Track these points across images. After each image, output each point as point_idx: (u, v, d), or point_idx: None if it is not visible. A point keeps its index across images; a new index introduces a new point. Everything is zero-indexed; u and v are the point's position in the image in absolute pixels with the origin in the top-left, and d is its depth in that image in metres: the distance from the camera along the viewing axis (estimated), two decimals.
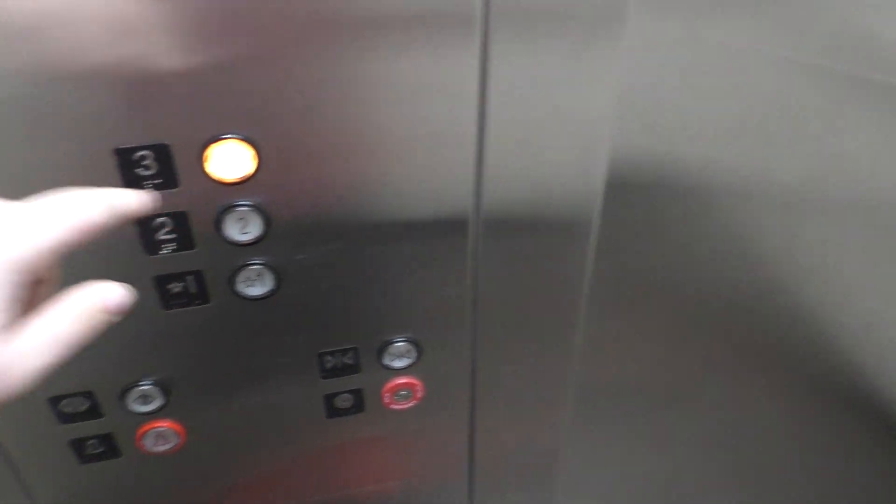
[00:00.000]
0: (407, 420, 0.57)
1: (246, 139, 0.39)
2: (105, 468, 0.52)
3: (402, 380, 0.53)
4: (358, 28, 0.38)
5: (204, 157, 0.39)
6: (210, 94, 0.38)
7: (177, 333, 0.47)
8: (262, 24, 0.36)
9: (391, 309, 0.50)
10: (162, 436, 0.52)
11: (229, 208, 0.42)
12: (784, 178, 0.55)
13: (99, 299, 0.29)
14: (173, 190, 0.40)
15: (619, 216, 0.52)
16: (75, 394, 0.48)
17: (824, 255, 0.63)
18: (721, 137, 0.51)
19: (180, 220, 0.41)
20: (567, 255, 0.51)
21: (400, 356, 0.52)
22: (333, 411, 0.54)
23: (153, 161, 0.39)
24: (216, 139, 0.39)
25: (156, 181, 0.39)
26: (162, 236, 0.42)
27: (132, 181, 0.39)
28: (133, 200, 0.31)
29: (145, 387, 0.49)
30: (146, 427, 0.51)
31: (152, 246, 0.42)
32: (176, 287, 0.44)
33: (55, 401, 0.47)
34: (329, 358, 0.51)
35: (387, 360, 0.52)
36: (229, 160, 0.40)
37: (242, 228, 0.43)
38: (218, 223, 0.42)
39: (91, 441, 0.51)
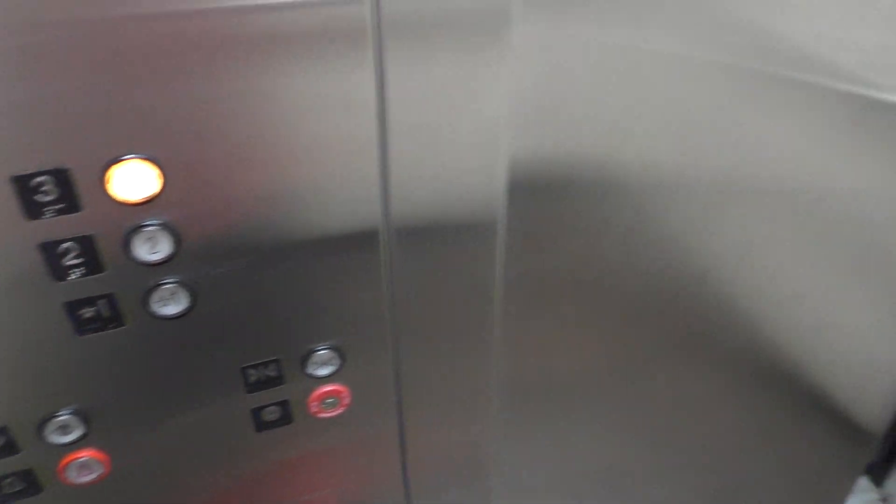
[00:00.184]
0: (337, 427, 0.57)
1: (149, 158, 0.40)
2: None
3: (328, 387, 0.54)
4: (252, 44, 0.39)
5: (106, 179, 0.39)
6: (108, 115, 0.38)
7: (94, 359, 0.47)
8: (155, 42, 0.37)
9: (311, 318, 0.51)
10: (85, 466, 0.51)
11: (136, 229, 0.42)
12: (691, 172, 0.59)
13: None
14: (76, 214, 0.40)
15: (527, 215, 0.55)
16: None
17: (744, 242, 0.66)
18: (621, 134, 0.54)
19: (86, 244, 0.41)
20: (477, 255, 0.54)
21: (324, 364, 0.53)
22: (262, 425, 0.55)
23: (53, 186, 0.39)
24: (117, 160, 0.39)
25: (57, 206, 0.39)
26: (69, 262, 0.42)
27: (33, 208, 0.39)
28: None
29: (64, 417, 0.48)
30: (68, 458, 0.50)
31: (60, 272, 0.42)
32: (88, 312, 0.44)
33: None
34: (252, 371, 0.51)
35: (311, 369, 0.53)
36: (132, 180, 0.40)
37: (152, 248, 0.43)
38: (126, 244, 0.42)
39: (9, 479, 0.50)
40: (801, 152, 0.62)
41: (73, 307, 0.44)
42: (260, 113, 0.41)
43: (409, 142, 0.46)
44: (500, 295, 0.57)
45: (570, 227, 0.57)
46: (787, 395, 0.86)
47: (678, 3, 0.49)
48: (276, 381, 0.53)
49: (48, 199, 0.39)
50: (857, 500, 1.13)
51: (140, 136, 0.39)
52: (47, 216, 0.39)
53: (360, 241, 0.49)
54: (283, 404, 0.54)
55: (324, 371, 0.53)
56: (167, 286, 0.45)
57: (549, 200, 0.55)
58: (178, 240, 0.43)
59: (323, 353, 0.52)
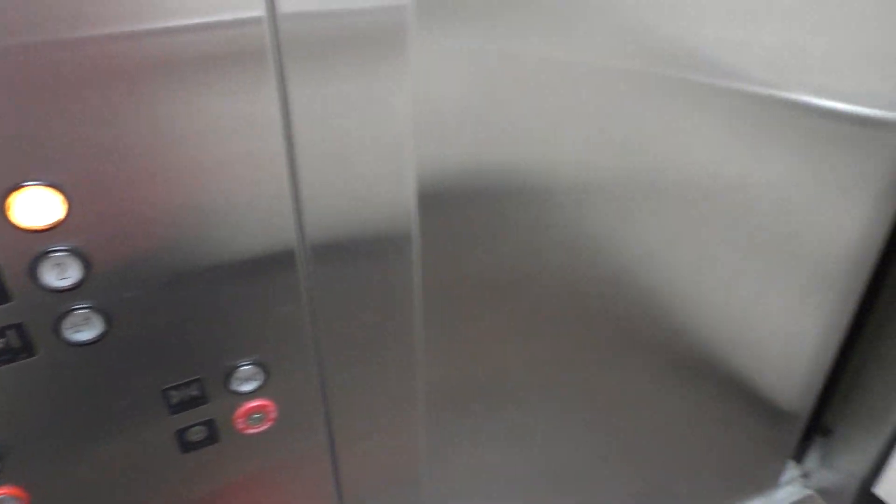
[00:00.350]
0: (266, 443, 0.58)
1: (50, 184, 0.40)
2: None
3: (253, 403, 0.55)
4: (153, 67, 0.40)
5: (6, 207, 0.39)
6: (5, 142, 0.38)
7: (6, 392, 0.46)
8: (55, 68, 0.38)
9: (231, 335, 0.51)
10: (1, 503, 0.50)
11: (43, 255, 0.42)
12: (597, 174, 0.62)
13: None
14: None
15: (440, 224, 0.57)
16: None
17: (656, 240, 0.70)
18: (522, 140, 0.57)
19: None
20: (394, 266, 0.55)
21: (247, 380, 0.53)
22: (188, 445, 0.54)
23: None
24: (17, 187, 0.39)
25: None
26: None
27: None
28: None
29: None
30: None
31: None
32: None
33: None
34: (174, 392, 0.51)
35: (234, 386, 0.53)
36: (35, 207, 0.40)
37: (60, 274, 0.43)
38: (33, 272, 0.42)
39: None
40: (705, 151, 0.66)
41: None
42: (164, 135, 0.42)
43: (317, 159, 0.48)
44: (420, 303, 0.59)
45: (481, 233, 0.59)
46: (713, 385, 0.90)
47: (569, 12, 0.52)
48: (200, 400, 0.53)
49: None
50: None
51: (40, 162, 0.39)
52: None
53: (276, 258, 0.50)
54: (209, 423, 0.54)
55: (248, 387, 0.54)
56: (79, 312, 0.45)
57: (460, 208, 0.57)
58: (87, 265, 0.43)
59: (246, 368, 0.53)
